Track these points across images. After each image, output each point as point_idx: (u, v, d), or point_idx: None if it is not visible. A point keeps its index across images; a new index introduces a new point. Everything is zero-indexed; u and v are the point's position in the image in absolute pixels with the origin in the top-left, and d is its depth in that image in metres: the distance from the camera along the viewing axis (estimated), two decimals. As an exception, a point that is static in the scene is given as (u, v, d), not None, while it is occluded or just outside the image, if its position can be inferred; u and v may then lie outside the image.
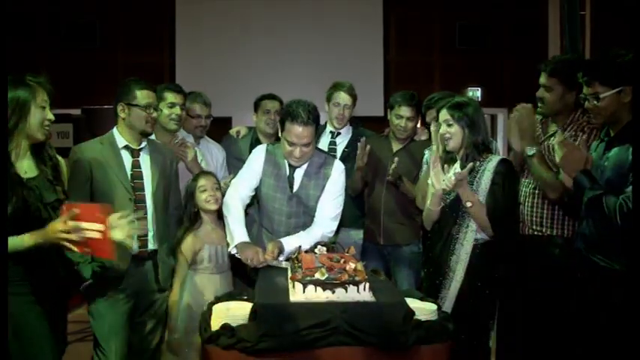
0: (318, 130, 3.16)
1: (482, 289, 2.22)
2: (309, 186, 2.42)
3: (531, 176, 2.38)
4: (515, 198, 2.34)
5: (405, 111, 2.94)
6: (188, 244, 2.47)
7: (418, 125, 3.17)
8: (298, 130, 2.26)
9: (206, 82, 5.42)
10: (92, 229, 1.69)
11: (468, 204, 2.22)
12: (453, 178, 2.19)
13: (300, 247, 2.18)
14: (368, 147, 2.87)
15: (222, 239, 2.50)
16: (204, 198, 2.52)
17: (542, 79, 2.37)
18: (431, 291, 2.25)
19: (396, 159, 2.83)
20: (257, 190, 2.50)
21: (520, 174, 2.45)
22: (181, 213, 2.55)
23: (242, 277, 2.58)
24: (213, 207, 2.53)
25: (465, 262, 2.23)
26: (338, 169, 2.46)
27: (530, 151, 2.27)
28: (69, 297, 2.09)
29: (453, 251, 2.26)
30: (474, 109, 2.28)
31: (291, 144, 2.31)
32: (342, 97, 3.12)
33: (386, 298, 1.85)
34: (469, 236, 2.24)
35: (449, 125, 2.29)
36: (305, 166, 2.43)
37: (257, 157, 2.49)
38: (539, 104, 2.40)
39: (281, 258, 2.30)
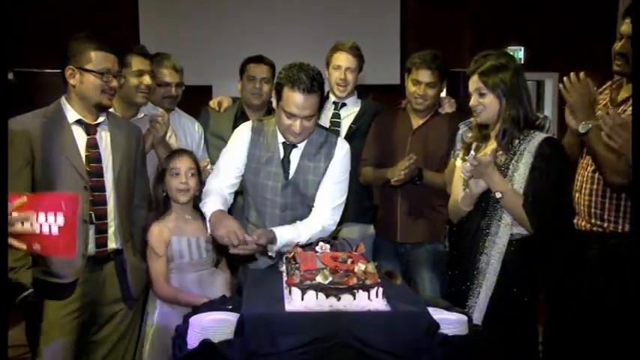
0: (322, 103, 3.19)
1: (519, 296, 2.23)
2: (308, 170, 2.43)
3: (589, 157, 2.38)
4: (563, 185, 2.34)
5: (425, 75, 2.94)
6: (154, 236, 2.47)
7: (443, 94, 3.16)
8: (300, 99, 2.26)
9: (179, 42, 5.42)
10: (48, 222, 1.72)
11: (498, 194, 2.23)
12: (469, 164, 2.19)
13: (295, 240, 2.20)
14: (412, 159, 2.81)
15: (198, 231, 2.52)
16: (175, 185, 2.53)
17: (625, 27, 2.31)
18: (457, 298, 2.27)
19: (410, 160, 2.80)
20: (242, 178, 2.50)
21: (579, 155, 2.45)
22: (150, 201, 2.56)
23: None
24: (184, 199, 2.54)
25: (498, 264, 2.24)
26: (342, 149, 2.47)
27: (585, 127, 2.26)
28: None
29: (482, 250, 2.27)
30: (513, 73, 2.27)
31: (290, 116, 2.31)
32: (343, 58, 3.14)
33: (403, 306, 1.86)
34: (502, 231, 2.25)
35: (481, 95, 2.29)
36: (302, 145, 2.44)
37: (240, 139, 2.49)
38: (616, 62, 2.36)
39: (270, 252, 2.31)
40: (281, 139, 2.44)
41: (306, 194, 2.44)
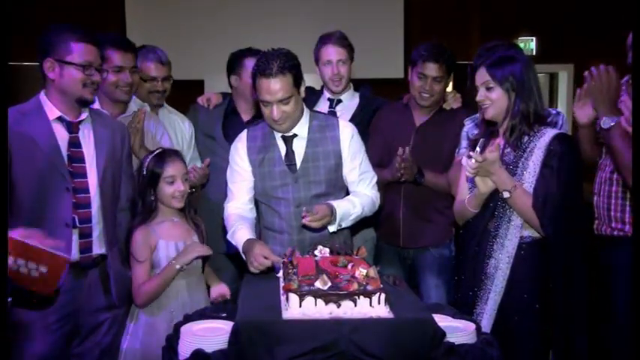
0: (315, 96, 3.20)
1: (530, 303, 2.24)
2: (318, 156, 2.50)
3: (609, 157, 2.39)
4: (576, 184, 2.32)
5: (432, 69, 2.94)
6: (138, 240, 2.47)
7: (449, 89, 3.17)
8: (266, 84, 2.35)
9: (168, 35, 5.42)
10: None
11: (505, 194, 2.24)
12: (472, 160, 2.20)
13: (352, 211, 2.42)
14: (407, 152, 2.85)
15: (185, 235, 2.55)
16: (171, 193, 2.52)
17: None
18: (464, 305, 2.28)
19: (403, 155, 2.82)
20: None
21: (591, 153, 2.46)
22: (137, 205, 2.56)
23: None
24: (179, 205, 2.56)
25: (507, 268, 2.25)
26: (347, 127, 2.56)
27: (607, 122, 2.26)
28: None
29: (490, 253, 2.29)
30: (523, 67, 2.29)
31: (265, 104, 2.40)
32: (332, 51, 3.14)
33: (407, 313, 1.88)
34: (512, 234, 2.27)
35: (488, 89, 2.30)
36: (304, 134, 2.50)
37: (237, 152, 2.58)
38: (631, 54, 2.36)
39: (332, 228, 2.44)
40: (278, 133, 2.50)
41: (320, 181, 2.51)
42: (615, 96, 2.32)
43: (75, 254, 2.31)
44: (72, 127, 2.35)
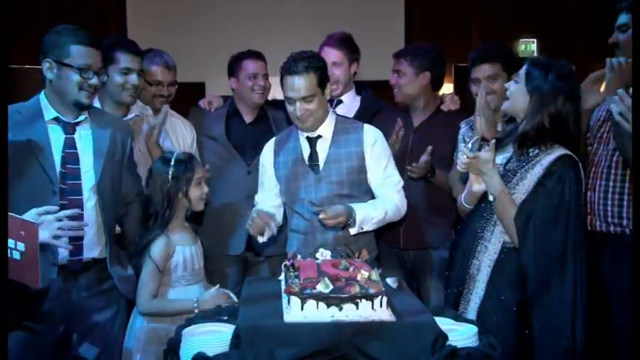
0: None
1: (507, 305, 2.21)
2: (340, 157, 2.58)
3: (604, 151, 2.36)
4: (566, 210, 2.20)
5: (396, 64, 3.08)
6: (161, 252, 2.47)
7: (448, 91, 3.19)
8: (290, 81, 2.50)
9: (169, 37, 5.40)
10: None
11: (491, 197, 2.23)
12: (465, 156, 2.19)
13: (373, 215, 2.48)
14: (402, 131, 2.90)
15: (194, 239, 2.60)
16: (199, 195, 2.58)
17: None
18: (452, 300, 2.30)
19: (424, 156, 2.83)
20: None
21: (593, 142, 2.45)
22: (156, 210, 2.52)
23: None
24: (203, 207, 2.63)
25: (488, 271, 2.25)
26: (371, 131, 2.65)
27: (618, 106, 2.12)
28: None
29: (474, 254, 2.29)
30: (559, 83, 2.22)
31: (290, 102, 2.53)
32: (326, 53, 3.16)
33: (409, 316, 1.88)
34: (496, 237, 2.26)
35: (515, 82, 2.27)
36: (329, 135, 2.60)
37: (264, 159, 2.74)
38: None
39: (352, 230, 2.50)
40: (303, 134, 2.61)
41: (342, 182, 2.58)
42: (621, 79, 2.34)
43: (63, 257, 2.28)
44: (68, 129, 2.35)
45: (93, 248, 2.37)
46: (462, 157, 2.22)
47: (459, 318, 2.07)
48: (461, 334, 1.91)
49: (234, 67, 3.24)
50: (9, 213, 1.89)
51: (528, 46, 6.31)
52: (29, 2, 5.71)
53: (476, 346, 1.90)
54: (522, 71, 2.28)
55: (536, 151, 2.24)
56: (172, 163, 2.54)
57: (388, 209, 2.57)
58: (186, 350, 1.84)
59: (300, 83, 2.48)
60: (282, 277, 2.15)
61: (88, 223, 2.31)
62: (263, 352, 1.74)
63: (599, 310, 2.42)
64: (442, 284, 2.96)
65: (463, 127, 2.77)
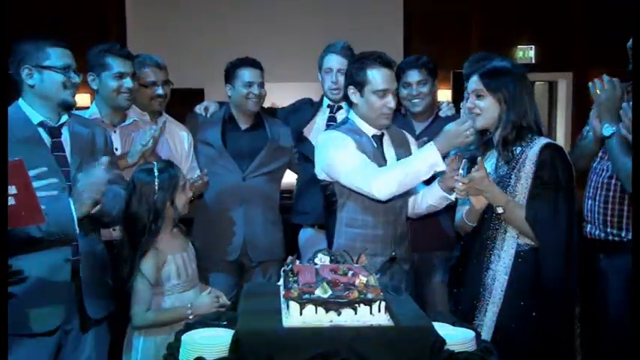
0: (314, 107, 3.28)
1: (527, 310, 2.24)
2: (402, 157, 2.60)
3: (606, 162, 2.40)
4: (566, 193, 2.26)
5: (413, 75, 3.10)
6: (151, 264, 2.44)
7: (444, 99, 3.22)
8: (386, 72, 2.54)
9: (169, 44, 5.45)
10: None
11: (499, 209, 2.26)
12: (460, 184, 2.23)
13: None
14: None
15: (184, 243, 2.58)
16: (185, 200, 2.55)
17: None
18: (464, 318, 2.27)
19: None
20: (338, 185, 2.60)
21: (593, 158, 2.48)
22: (144, 224, 2.45)
23: None
24: (187, 211, 2.60)
25: (504, 278, 2.26)
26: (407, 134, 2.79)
27: (608, 129, 2.28)
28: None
29: (488, 265, 2.31)
30: (517, 80, 2.30)
31: (382, 94, 2.52)
32: (334, 60, 3.20)
33: (408, 321, 1.89)
34: (508, 244, 2.28)
35: (479, 97, 2.32)
36: (388, 134, 2.66)
37: (349, 141, 2.56)
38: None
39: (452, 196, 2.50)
40: (369, 132, 2.60)
41: None
42: (619, 105, 2.35)
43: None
44: (54, 132, 2.38)
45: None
46: (459, 185, 2.25)
47: (458, 323, 2.08)
48: (459, 338, 1.92)
49: (230, 75, 3.25)
50: None
51: (526, 53, 6.33)
52: (29, 3, 5.73)
53: (473, 351, 1.90)
54: (478, 86, 2.32)
55: (519, 148, 2.29)
56: (156, 173, 2.46)
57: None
58: (186, 355, 1.84)
59: (393, 76, 2.57)
60: (281, 282, 2.17)
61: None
62: (262, 356, 1.75)
63: (598, 317, 2.43)
64: (444, 289, 2.99)
65: None
